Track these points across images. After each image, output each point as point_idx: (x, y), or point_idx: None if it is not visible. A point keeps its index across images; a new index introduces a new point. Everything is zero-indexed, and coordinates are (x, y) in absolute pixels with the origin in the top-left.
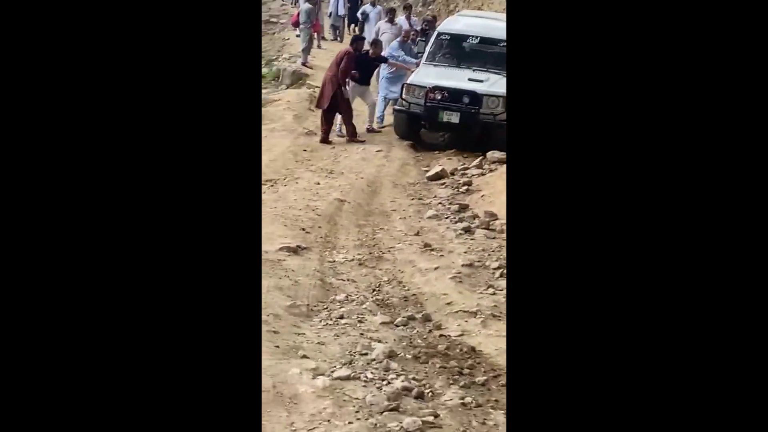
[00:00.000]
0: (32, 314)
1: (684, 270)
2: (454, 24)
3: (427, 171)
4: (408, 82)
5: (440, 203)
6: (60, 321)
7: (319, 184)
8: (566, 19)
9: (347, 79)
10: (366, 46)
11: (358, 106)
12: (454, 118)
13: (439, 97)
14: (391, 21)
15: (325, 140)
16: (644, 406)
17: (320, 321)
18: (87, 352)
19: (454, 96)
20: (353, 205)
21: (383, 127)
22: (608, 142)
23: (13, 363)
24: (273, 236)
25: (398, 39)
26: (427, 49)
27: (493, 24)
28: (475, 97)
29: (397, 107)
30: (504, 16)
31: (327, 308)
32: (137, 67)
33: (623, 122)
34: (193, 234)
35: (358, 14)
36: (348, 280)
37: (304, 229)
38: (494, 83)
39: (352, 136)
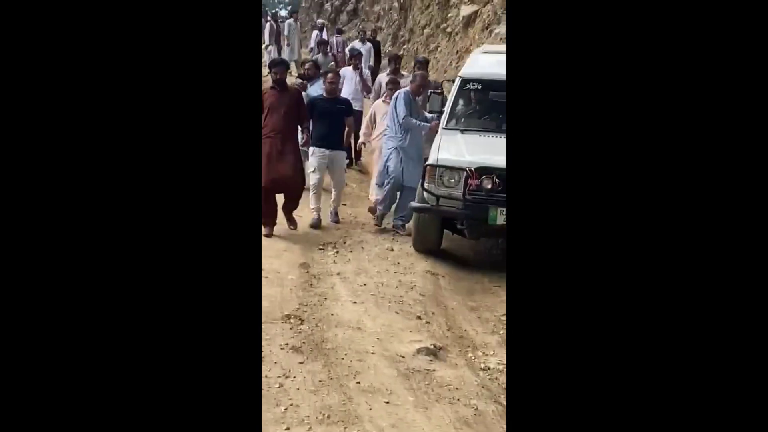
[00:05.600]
0: (30, 318)
1: (683, 277)
2: (483, 65)
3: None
4: (431, 162)
5: None
6: (61, 337)
7: (392, 250)
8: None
9: (305, 144)
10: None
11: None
12: None
13: (489, 186)
14: (355, 66)
15: (269, 234)
16: (644, 412)
17: None
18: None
19: None
20: (448, 280)
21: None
22: (606, 154)
23: (12, 362)
24: (394, 329)
25: (404, 89)
26: (448, 105)
27: None
28: None
29: (416, 204)
30: None
31: None
32: (136, 70)
33: (628, 132)
34: (192, 236)
35: (347, 50)
36: None
37: (420, 317)
38: None
39: (291, 224)
